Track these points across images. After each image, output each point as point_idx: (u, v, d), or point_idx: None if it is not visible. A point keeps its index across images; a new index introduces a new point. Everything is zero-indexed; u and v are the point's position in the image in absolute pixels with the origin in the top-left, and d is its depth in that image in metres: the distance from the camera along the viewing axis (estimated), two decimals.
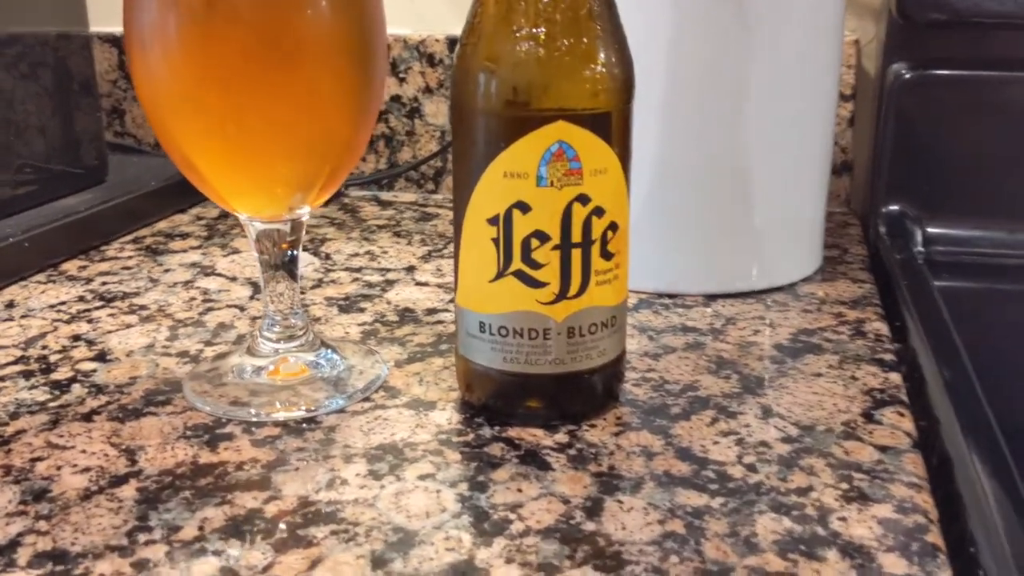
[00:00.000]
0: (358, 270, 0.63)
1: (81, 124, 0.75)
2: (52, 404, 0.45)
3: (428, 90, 0.81)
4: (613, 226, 0.40)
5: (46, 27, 0.71)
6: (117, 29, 0.69)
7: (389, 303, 0.57)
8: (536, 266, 0.39)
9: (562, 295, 0.40)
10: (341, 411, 0.43)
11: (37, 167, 0.70)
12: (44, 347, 0.51)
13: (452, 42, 0.80)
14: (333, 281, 0.61)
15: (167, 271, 0.63)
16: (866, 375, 0.47)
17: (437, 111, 0.82)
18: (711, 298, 0.56)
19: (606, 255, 0.40)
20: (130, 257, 0.66)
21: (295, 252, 0.46)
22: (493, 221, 0.39)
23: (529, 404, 0.42)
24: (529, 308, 0.40)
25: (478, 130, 0.39)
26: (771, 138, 0.56)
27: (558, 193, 0.39)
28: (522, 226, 0.39)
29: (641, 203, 0.56)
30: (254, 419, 0.43)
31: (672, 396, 0.44)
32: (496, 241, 0.40)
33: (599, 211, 0.39)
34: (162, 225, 0.74)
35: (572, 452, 0.40)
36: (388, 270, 0.63)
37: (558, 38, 0.38)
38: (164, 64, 0.39)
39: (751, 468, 0.38)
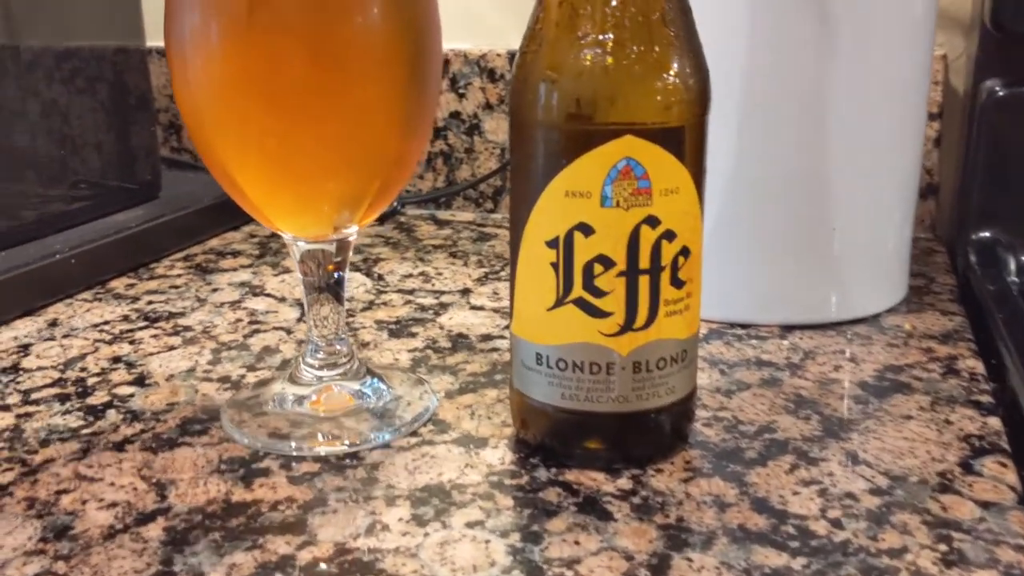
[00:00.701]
0: (411, 292, 0.60)
1: (136, 139, 0.73)
2: (85, 431, 0.42)
3: (488, 106, 0.79)
4: (685, 251, 0.37)
5: (103, 41, 0.69)
6: None
7: (442, 328, 0.54)
8: (599, 294, 0.36)
9: (627, 326, 0.36)
10: (386, 446, 0.40)
11: (91, 182, 0.69)
12: (83, 369, 0.49)
13: (514, 57, 0.77)
14: (385, 303, 0.58)
15: (215, 290, 0.61)
16: (962, 419, 0.42)
17: (497, 128, 0.79)
18: (787, 329, 0.52)
19: (677, 283, 0.37)
20: (179, 275, 0.64)
21: (342, 274, 0.43)
22: (552, 244, 0.36)
23: (589, 445, 0.38)
24: (591, 340, 0.36)
25: (538, 145, 0.36)
26: (854, 157, 0.52)
27: (624, 214, 0.35)
28: (584, 250, 0.36)
29: (712, 225, 0.52)
30: (293, 453, 0.40)
31: (747, 438, 0.41)
32: (555, 266, 0.36)
33: (670, 235, 0.36)
34: (214, 243, 0.72)
35: (636, 500, 0.36)
36: (442, 292, 0.60)
37: (627, 45, 0.34)
38: (205, 74, 0.37)
39: (836, 524, 0.34)
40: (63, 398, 0.46)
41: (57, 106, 0.67)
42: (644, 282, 0.36)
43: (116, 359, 0.50)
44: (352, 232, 0.42)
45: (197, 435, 0.42)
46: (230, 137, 0.38)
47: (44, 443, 0.41)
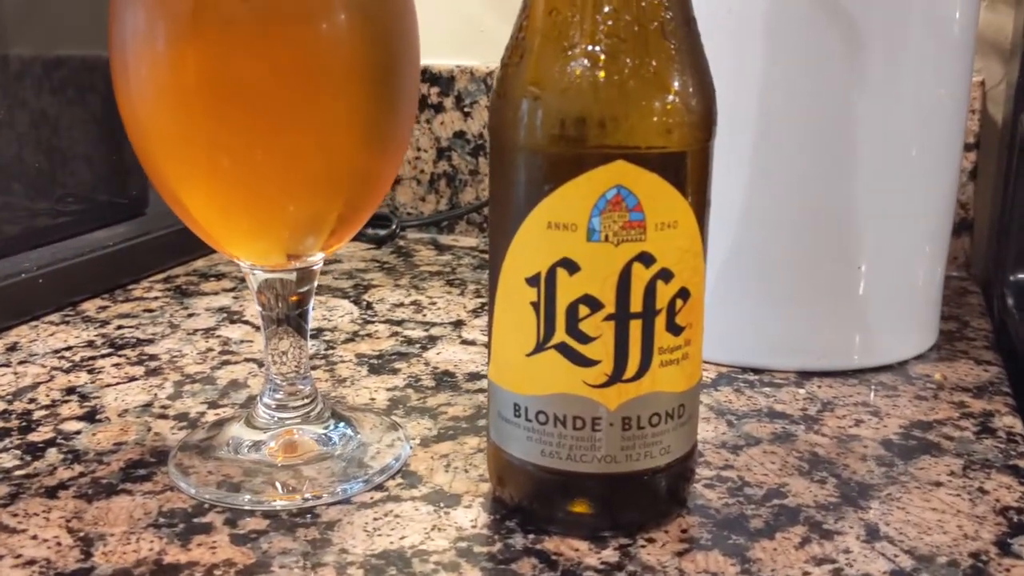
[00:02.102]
0: (399, 323, 0.56)
1: (126, 152, 0.69)
2: (18, 472, 0.38)
3: None
4: (683, 293, 0.32)
5: (95, 51, 0.66)
6: None
7: (427, 364, 0.50)
8: (584, 339, 0.32)
9: (616, 377, 0.32)
10: (347, 501, 0.36)
11: (78, 196, 0.65)
12: (32, 400, 0.45)
13: None
14: (369, 335, 0.54)
15: (191, 315, 0.57)
16: (998, 487, 0.37)
17: None
18: (804, 376, 0.48)
19: (674, 329, 0.32)
20: (156, 298, 0.61)
21: (307, 307, 0.39)
22: (533, 281, 0.32)
23: (572, 509, 0.34)
24: (574, 391, 0.32)
25: (518, 169, 0.32)
26: (882, 189, 0.47)
27: (614, 250, 0.31)
28: (568, 289, 0.31)
29: (724, 261, 0.47)
30: (243, 507, 0.35)
31: (753, 504, 0.36)
32: (536, 306, 0.32)
33: (666, 274, 0.31)
34: (200, 263, 0.68)
35: None
36: (433, 324, 0.56)
37: (620, 58, 0.30)
38: (148, 83, 0.33)
39: None
40: (3, 433, 0.42)
41: (46, 117, 0.63)
42: (636, 327, 0.32)
43: (70, 390, 0.46)
44: (317, 260, 0.38)
45: (139, 481, 0.38)
46: (175, 153, 0.34)
47: None
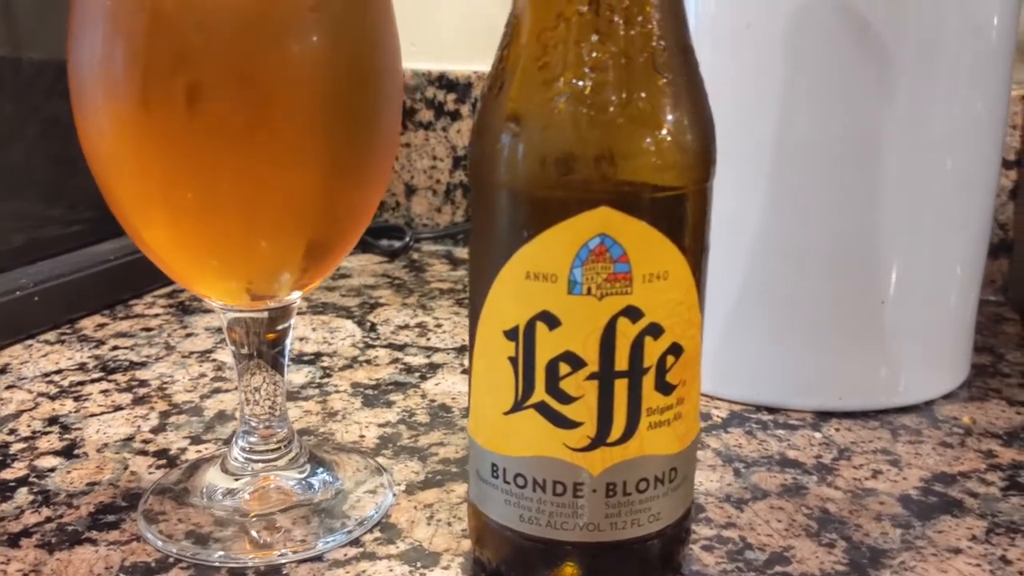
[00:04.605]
0: (401, 348, 0.54)
1: None
2: None
3: None
4: (675, 349, 0.29)
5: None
6: None
7: (424, 396, 0.47)
8: (565, 399, 0.29)
9: (600, 440, 0.29)
10: (318, 558, 0.34)
11: (84, 206, 0.63)
12: (12, 431, 0.44)
13: None
14: (368, 361, 0.52)
15: (189, 335, 0.55)
16: (1022, 556, 0.34)
17: None
18: (822, 417, 0.45)
19: (664, 388, 0.30)
20: (156, 315, 0.59)
21: (284, 343, 0.37)
22: (511, 335, 0.29)
23: None
24: (554, 454, 0.30)
25: (496, 211, 0.29)
26: (912, 213, 0.44)
27: (597, 304, 0.28)
28: (548, 345, 0.29)
29: (738, 292, 0.45)
30: (214, 562, 0.33)
31: (753, 571, 0.33)
32: (514, 361, 0.29)
33: (655, 329, 0.29)
34: None
35: None
36: (436, 350, 0.54)
37: (605, 93, 0.28)
38: (106, 116, 0.31)
39: None
40: None
41: (59, 123, 0.62)
42: (621, 387, 0.29)
43: (53, 419, 0.45)
44: (293, 299, 0.35)
45: (107, 529, 0.36)
46: (135, 187, 0.32)
47: None
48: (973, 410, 0.46)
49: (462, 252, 0.74)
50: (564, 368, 0.29)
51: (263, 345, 0.36)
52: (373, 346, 0.54)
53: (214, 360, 0.52)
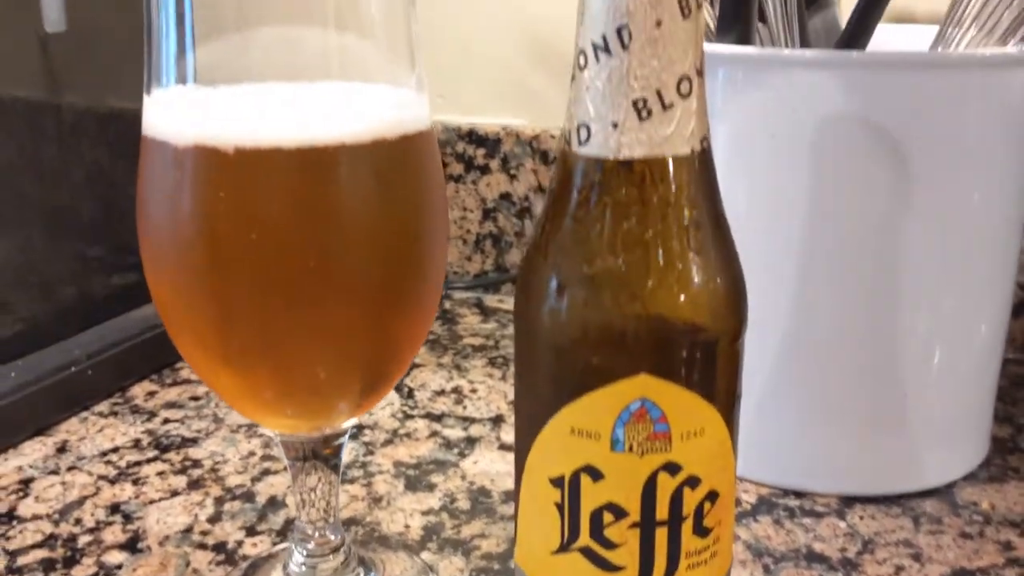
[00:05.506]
0: (439, 418, 0.56)
1: None
2: None
3: (541, 189, 0.74)
4: (711, 496, 0.31)
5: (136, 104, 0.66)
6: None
7: (464, 477, 0.50)
8: (609, 545, 0.31)
9: None
10: None
11: (129, 267, 0.65)
12: (78, 521, 0.46)
13: None
14: (408, 435, 0.54)
15: None
16: None
17: None
18: (847, 502, 0.47)
19: (701, 532, 0.32)
20: (202, 382, 0.61)
21: (339, 456, 0.39)
22: (557, 483, 0.31)
23: None
24: None
25: (541, 365, 0.31)
26: (932, 309, 0.45)
27: (639, 461, 0.30)
28: (592, 496, 0.31)
29: (768, 382, 0.47)
30: None
31: None
32: (560, 507, 0.32)
33: (693, 481, 0.31)
34: None
35: None
36: (473, 421, 0.56)
37: (642, 269, 0.29)
38: (171, 250, 0.33)
39: None
40: (48, 565, 0.43)
41: (101, 170, 0.63)
42: (662, 534, 0.31)
43: (115, 507, 0.47)
44: (349, 424, 0.38)
45: None
46: (195, 325, 0.34)
47: None
48: (992, 493, 0.48)
49: (492, 300, 0.76)
50: (608, 517, 0.31)
51: (318, 456, 0.38)
52: (412, 416, 0.57)
53: (262, 435, 0.54)
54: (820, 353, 0.46)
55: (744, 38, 0.45)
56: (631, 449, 0.30)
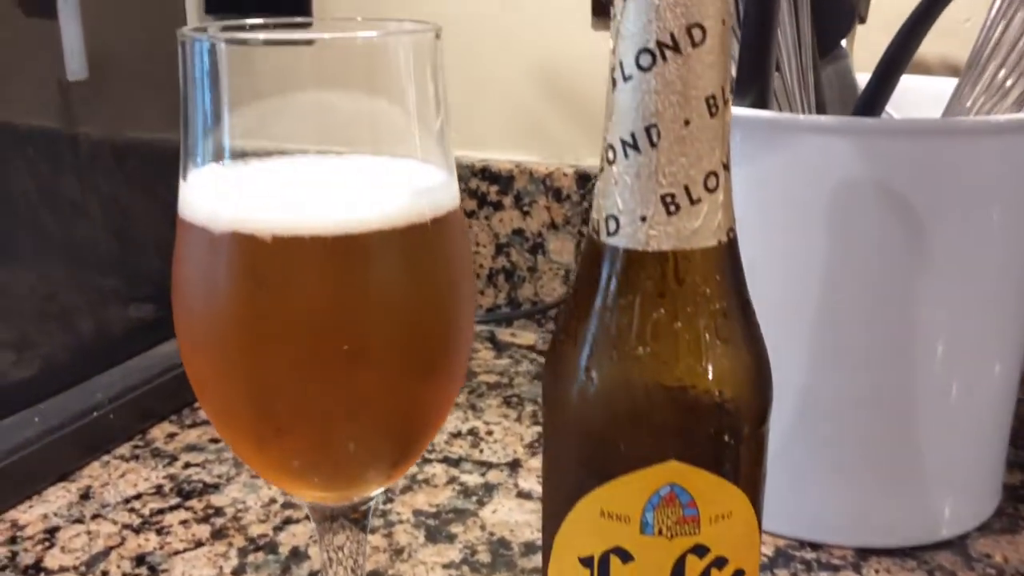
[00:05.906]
0: (457, 463, 0.57)
1: None
2: None
3: (553, 226, 0.74)
4: (738, 574, 0.32)
5: (173, 135, 0.67)
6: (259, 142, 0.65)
7: (484, 527, 0.50)
8: None
9: None
10: None
11: (149, 302, 0.66)
12: (105, 574, 0.47)
13: (581, 176, 0.72)
14: (427, 480, 0.55)
15: None
16: None
17: (562, 248, 0.75)
18: (862, 555, 0.47)
19: None
20: None
21: (367, 519, 0.39)
22: (586, 563, 0.32)
23: None
24: None
25: (570, 448, 0.32)
26: (946, 368, 0.46)
27: (668, 544, 0.31)
28: None
29: (785, 436, 0.47)
30: None
31: None
32: None
33: (720, 562, 0.32)
34: None
35: None
36: (490, 466, 0.57)
37: (673, 362, 0.30)
38: (210, 335, 0.34)
39: None
40: None
41: (117, 203, 0.64)
42: None
43: (140, 559, 0.48)
44: (377, 492, 0.38)
45: None
46: (229, 400, 0.34)
47: None
48: (1005, 545, 0.48)
49: (504, 334, 0.76)
50: None
51: (346, 516, 0.39)
52: (429, 460, 0.57)
53: None
54: (836, 407, 0.47)
55: (761, 100, 0.46)
56: (660, 532, 0.31)
